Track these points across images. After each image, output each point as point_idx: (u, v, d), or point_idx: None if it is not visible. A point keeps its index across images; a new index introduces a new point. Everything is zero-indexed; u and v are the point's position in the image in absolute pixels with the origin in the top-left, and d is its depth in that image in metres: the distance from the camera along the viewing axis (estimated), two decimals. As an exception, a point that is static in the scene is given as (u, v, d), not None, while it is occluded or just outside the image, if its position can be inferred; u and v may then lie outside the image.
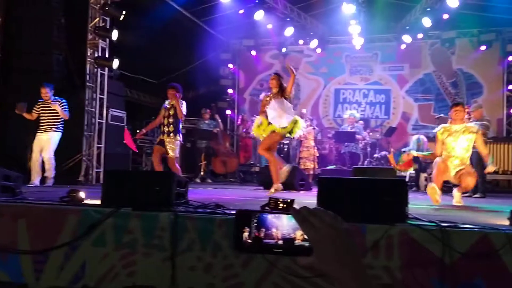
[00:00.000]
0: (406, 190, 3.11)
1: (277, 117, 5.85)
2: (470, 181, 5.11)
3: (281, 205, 3.17)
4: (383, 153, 10.55)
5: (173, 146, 6.46)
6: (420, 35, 11.56)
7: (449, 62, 12.07)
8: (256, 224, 0.93)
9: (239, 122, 12.12)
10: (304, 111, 10.94)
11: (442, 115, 9.89)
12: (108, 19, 8.64)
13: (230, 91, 13.35)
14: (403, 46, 12.06)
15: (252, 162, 11.21)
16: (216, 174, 10.78)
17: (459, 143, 5.24)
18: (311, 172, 9.43)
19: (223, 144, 10.30)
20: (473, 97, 11.48)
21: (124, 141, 8.90)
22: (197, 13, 11.29)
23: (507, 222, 3.01)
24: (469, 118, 7.48)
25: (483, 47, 11.52)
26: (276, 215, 0.94)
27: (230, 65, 13.37)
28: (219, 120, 10.54)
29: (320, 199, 3.04)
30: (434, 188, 5.03)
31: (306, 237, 0.88)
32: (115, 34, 8.43)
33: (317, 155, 10.11)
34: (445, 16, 10.30)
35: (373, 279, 2.72)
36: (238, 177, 10.84)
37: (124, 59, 8.90)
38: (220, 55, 13.25)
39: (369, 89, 12.80)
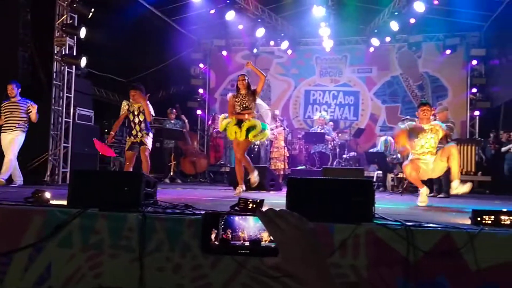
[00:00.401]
0: (373, 190, 3.17)
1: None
2: (453, 150, 5.22)
3: (250, 205, 3.18)
4: (352, 153, 10.73)
5: (149, 143, 6.42)
6: (388, 39, 11.83)
7: (415, 65, 12.39)
8: (223, 226, 0.94)
9: (210, 122, 12.08)
10: (276, 112, 10.99)
11: (408, 117, 10.12)
12: (76, 16, 8.47)
13: (201, 91, 13.29)
14: (371, 49, 12.31)
15: (222, 162, 11.19)
16: (185, 174, 10.70)
17: (427, 142, 5.37)
18: (281, 172, 9.49)
19: (191, 145, 10.24)
20: (439, 100, 11.84)
21: (99, 151, 8.65)
22: (168, 11, 11.20)
23: (469, 221, 3.10)
24: (435, 120, 7.70)
25: (448, 51, 11.89)
26: (243, 216, 0.95)
27: (201, 65, 13.31)
28: (186, 120, 10.46)
29: (289, 199, 3.06)
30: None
31: (272, 238, 0.89)
32: (83, 32, 8.27)
33: (287, 155, 10.18)
34: (412, 21, 10.57)
35: (340, 277, 2.76)
36: (208, 178, 10.80)
37: (92, 57, 8.72)
38: (191, 54, 13.17)
39: (338, 91, 12.98)
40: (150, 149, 6.46)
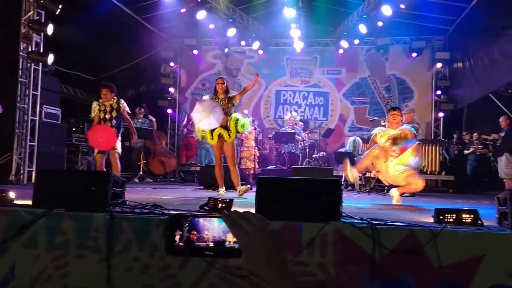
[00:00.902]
0: (341, 190, 3.24)
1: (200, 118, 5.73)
2: (419, 183, 5.39)
3: (220, 205, 3.20)
4: (321, 153, 10.88)
5: (117, 144, 6.26)
6: (356, 41, 12.08)
7: (383, 67, 12.66)
8: (188, 228, 0.95)
9: (185, 122, 11.97)
10: (246, 111, 11.04)
11: (375, 118, 10.37)
12: (43, 12, 8.26)
13: (171, 90, 13.17)
14: (341, 51, 12.51)
15: (193, 162, 11.13)
16: (155, 174, 10.60)
17: (395, 146, 5.50)
18: (252, 172, 9.53)
19: (159, 144, 10.15)
20: (405, 101, 12.14)
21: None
22: (138, 9, 11.06)
23: (432, 220, 3.21)
24: (401, 121, 7.90)
25: (414, 54, 12.21)
26: (208, 218, 0.96)
27: (172, 64, 13.19)
28: (153, 120, 10.35)
29: (258, 198, 3.09)
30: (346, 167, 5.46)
31: (235, 239, 0.90)
32: (50, 28, 8.07)
33: (258, 155, 10.23)
34: (380, 24, 10.79)
35: (308, 276, 2.81)
36: (178, 177, 10.73)
37: (60, 55, 8.53)
38: (161, 53, 13.04)
39: (308, 92, 13.12)
40: (120, 153, 6.31)
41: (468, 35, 10.67)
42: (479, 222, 3.03)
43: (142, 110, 10.38)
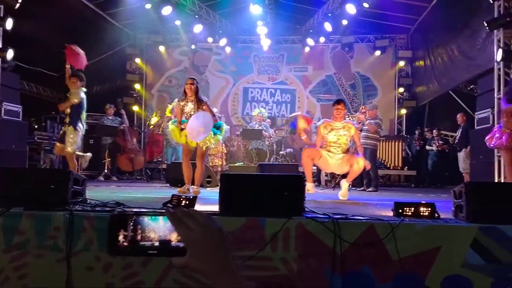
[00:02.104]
0: (304, 185, 3.29)
1: (194, 132, 5.49)
2: (360, 161, 5.57)
3: (183, 202, 3.19)
4: (288, 150, 10.97)
5: (70, 140, 6.05)
6: (322, 39, 12.24)
7: (348, 65, 12.88)
8: (132, 227, 0.93)
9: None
10: (214, 110, 10.99)
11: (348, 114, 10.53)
12: (1, 6, 7.96)
13: (137, 86, 12.98)
14: (307, 49, 12.66)
15: (159, 159, 11.02)
16: (122, 171, 10.44)
17: (339, 138, 5.71)
18: (219, 169, 9.51)
19: (130, 141, 10.00)
20: (369, 99, 12.41)
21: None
22: (102, 5, 10.84)
23: (391, 213, 3.29)
24: (366, 117, 8.09)
25: (378, 52, 12.47)
26: (153, 217, 0.95)
27: (137, 60, 12.99)
28: (125, 116, 10.20)
29: (222, 195, 3.10)
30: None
31: (180, 237, 0.91)
32: (9, 23, 7.78)
33: (225, 152, 10.21)
34: (344, 22, 10.96)
35: (271, 271, 2.84)
36: (144, 175, 10.60)
37: (20, 50, 8.23)
38: (126, 49, 12.84)
39: (276, 89, 13.21)
40: (73, 148, 6.06)
41: (429, 34, 10.98)
42: (436, 215, 3.13)
43: (112, 106, 10.20)
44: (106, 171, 9.89)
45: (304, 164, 5.74)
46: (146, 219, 0.94)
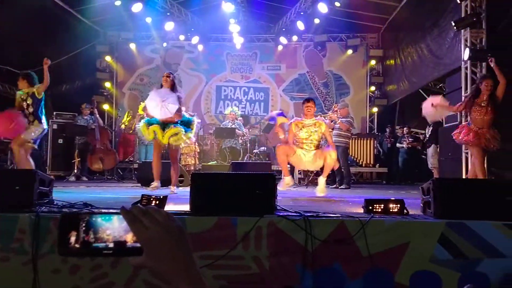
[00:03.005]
0: (275, 184, 3.28)
1: (153, 106, 5.50)
2: (332, 153, 5.64)
3: (154, 202, 3.14)
4: (262, 148, 10.98)
5: (33, 134, 5.84)
6: (295, 37, 12.29)
7: (320, 63, 12.97)
8: (84, 228, 0.89)
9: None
10: (183, 109, 10.91)
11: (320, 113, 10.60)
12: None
13: (107, 84, 12.75)
14: (280, 47, 12.69)
15: (131, 159, 10.86)
16: (92, 171, 10.23)
17: (310, 135, 5.78)
18: (192, 168, 9.43)
19: (100, 140, 9.80)
20: (342, 97, 12.53)
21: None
22: (70, 1, 10.60)
23: (362, 210, 3.33)
24: (337, 116, 8.16)
25: (349, 51, 12.61)
26: (108, 216, 0.91)
27: (108, 58, 12.76)
28: (98, 116, 9.99)
29: (192, 194, 3.07)
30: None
31: (136, 236, 0.87)
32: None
33: (198, 151, 10.13)
34: (317, 21, 11.04)
35: (243, 269, 2.83)
36: (116, 175, 10.42)
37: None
38: (96, 46, 12.58)
39: (249, 87, 13.20)
40: (32, 143, 5.85)
41: (399, 33, 11.17)
42: (405, 211, 3.19)
43: (89, 105, 9.98)
44: (76, 171, 9.68)
45: (280, 160, 5.78)
46: (99, 219, 0.90)
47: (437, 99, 6.19)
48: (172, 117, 5.62)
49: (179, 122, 5.76)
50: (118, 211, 0.88)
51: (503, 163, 6.67)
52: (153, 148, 6.02)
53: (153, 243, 0.84)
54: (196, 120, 6.22)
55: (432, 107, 6.12)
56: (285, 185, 5.69)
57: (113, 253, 0.90)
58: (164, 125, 5.64)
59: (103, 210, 3.11)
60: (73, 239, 0.88)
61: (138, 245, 0.87)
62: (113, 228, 0.89)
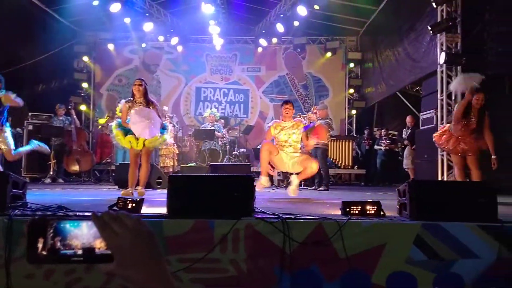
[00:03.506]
0: (253, 186, 3.28)
1: (141, 128, 5.35)
2: (313, 165, 5.64)
3: (130, 205, 3.10)
4: (242, 150, 10.96)
5: (2, 140, 5.71)
6: (274, 40, 12.34)
7: (300, 66, 13.04)
8: (52, 234, 0.86)
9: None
10: (165, 108, 10.85)
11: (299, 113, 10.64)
12: None
13: (85, 85, 12.56)
14: (260, 49, 12.71)
15: (108, 161, 10.71)
16: (69, 173, 10.05)
17: (289, 137, 5.80)
18: (171, 170, 9.36)
19: (77, 142, 9.64)
20: (321, 99, 12.62)
21: None
22: (47, 1, 10.41)
23: (339, 212, 3.35)
24: (316, 118, 8.21)
25: (329, 54, 12.71)
26: (76, 222, 0.89)
27: (85, 58, 12.57)
28: (75, 117, 9.82)
29: (170, 197, 3.04)
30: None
31: (105, 243, 0.85)
32: None
33: (177, 152, 10.07)
34: (296, 23, 11.09)
35: (220, 272, 2.82)
36: (92, 177, 10.27)
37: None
38: (74, 47, 12.38)
39: (229, 89, 13.17)
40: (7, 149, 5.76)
41: (377, 36, 11.31)
42: (382, 213, 3.22)
43: (63, 106, 9.79)
44: (51, 173, 9.49)
45: (262, 157, 5.69)
46: (67, 225, 0.87)
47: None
48: None
49: None
50: (88, 216, 0.86)
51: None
52: (129, 156, 5.87)
53: (123, 249, 0.82)
54: (169, 126, 6.15)
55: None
56: (260, 185, 5.53)
57: (82, 260, 0.87)
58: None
59: (78, 213, 3.05)
60: (40, 245, 0.85)
61: (108, 252, 0.85)
62: (82, 235, 0.87)
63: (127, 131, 5.49)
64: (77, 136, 9.63)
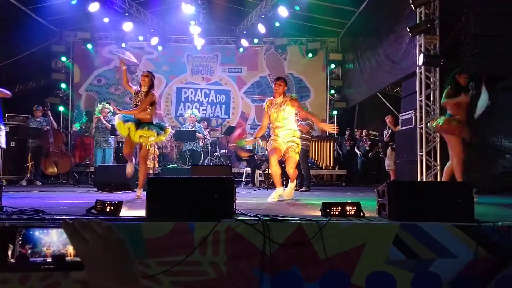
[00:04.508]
0: (233, 188, 3.27)
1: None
2: (290, 169, 5.68)
3: (108, 207, 3.05)
4: (223, 151, 10.93)
5: None
6: (256, 40, 12.34)
7: (281, 66, 13.07)
8: (21, 242, 0.84)
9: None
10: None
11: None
12: None
13: (63, 86, 12.35)
14: (241, 50, 12.70)
15: (88, 162, 10.55)
16: (47, 175, 9.86)
17: (279, 114, 5.72)
18: (151, 171, 9.25)
19: (55, 143, 9.46)
20: (302, 100, 12.66)
21: None
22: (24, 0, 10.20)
23: (319, 213, 3.36)
24: (297, 119, 8.22)
25: (310, 55, 12.77)
26: (46, 230, 0.87)
27: (63, 58, 12.37)
28: (51, 118, 9.65)
29: (149, 199, 3.00)
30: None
31: (75, 250, 0.84)
32: None
33: (158, 153, 9.96)
34: (277, 24, 11.11)
35: (200, 275, 2.79)
36: (71, 178, 10.11)
37: None
38: (51, 46, 12.17)
39: (210, 89, 13.13)
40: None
41: (358, 38, 11.41)
42: (361, 213, 3.24)
43: (40, 108, 9.60)
44: (29, 175, 9.31)
45: (273, 172, 5.75)
46: (37, 233, 0.85)
47: None
48: (148, 117, 5.70)
49: (155, 124, 5.80)
50: (58, 223, 0.84)
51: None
52: (123, 145, 5.94)
53: (93, 257, 0.82)
54: (169, 130, 6.20)
55: None
56: (277, 195, 5.61)
57: (53, 268, 0.85)
58: (139, 123, 5.62)
59: (56, 217, 2.99)
60: (10, 253, 0.83)
61: (79, 259, 0.83)
62: (52, 242, 0.85)
63: (127, 120, 5.65)
64: (54, 138, 9.45)
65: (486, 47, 6.98)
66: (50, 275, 2.68)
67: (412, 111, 8.09)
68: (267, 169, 8.70)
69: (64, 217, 3.04)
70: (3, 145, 5.81)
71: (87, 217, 2.98)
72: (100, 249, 0.82)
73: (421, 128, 7.62)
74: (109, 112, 9.71)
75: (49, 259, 0.85)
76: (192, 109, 12.10)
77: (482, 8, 7.07)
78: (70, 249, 0.85)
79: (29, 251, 0.84)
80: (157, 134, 5.67)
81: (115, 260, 0.82)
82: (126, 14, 11.06)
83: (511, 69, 7.02)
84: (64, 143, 10.17)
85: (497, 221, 2.98)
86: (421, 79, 7.71)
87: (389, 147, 9.48)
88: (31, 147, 9.52)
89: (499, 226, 2.94)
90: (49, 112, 9.51)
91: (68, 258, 0.84)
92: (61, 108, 12.15)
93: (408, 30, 7.64)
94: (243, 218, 3.05)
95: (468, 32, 7.10)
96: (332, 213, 3.22)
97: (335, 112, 12.81)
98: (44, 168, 9.47)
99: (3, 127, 5.87)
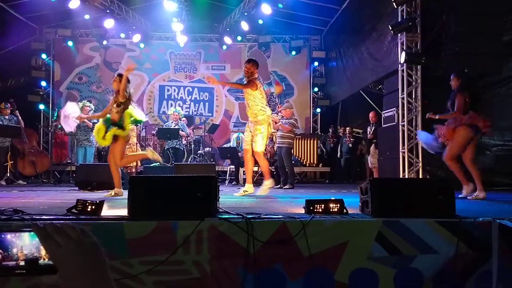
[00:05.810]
0: (217, 186, 3.24)
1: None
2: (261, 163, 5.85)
3: (89, 207, 3.00)
4: (207, 149, 10.88)
5: None
6: (239, 38, 12.31)
7: (265, 64, 13.04)
8: None
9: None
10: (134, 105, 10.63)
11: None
12: None
13: (43, 83, 12.15)
14: (224, 47, 12.66)
15: (69, 161, 10.40)
16: (26, 175, 9.68)
17: (248, 97, 6.12)
18: (134, 170, 9.18)
19: (28, 143, 9.28)
20: (286, 98, 12.69)
21: None
22: (2, -5, 10.00)
23: (303, 211, 3.36)
24: (282, 117, 8.24)
25: (293, 52, 12.79)
26: (17, 233, 0.84)
27: (43, 56, 12.16)
28: (19, 117, 9.43)
29: (131, 198, 2.96)
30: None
31: (48, 255, 0.83)
32: None
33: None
34: (260, 21, 11.10)
35: (183, 275, 2.77)
36: (52, 178, 9.95)
37: None
38: (31, 44, 11.96)
39: (193, 87, 13.06)
40: None
41: (341, 36, 11.46)
42: (345, 210, 3.25)
43: (8, 105, 9.38)
44: (8, 174, 9.12)
45: (248, 166, 5.98)
46: (8, 236, 0.83)
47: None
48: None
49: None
50: (30, 227, 0.82)
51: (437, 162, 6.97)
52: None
53: (65, 261, 0.80)
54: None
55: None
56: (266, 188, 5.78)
57: (25, 273, 0.83)
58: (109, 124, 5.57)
59: (35, 217, 2.94)
60: None
61: (52, 263, 0.81)
62: (24, 246, 0.83)
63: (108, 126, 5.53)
64: (28, 137, 9.27)
65: (467, 45, 7.07)
66: (31, 277, 2.63)
67: (394, 109, 8.16)
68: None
69: (44, 217, 2.99)
70: None
71: (68, 217, 2.94)
72: (74, 253, 0.80)
73: (403, 126, 7.69)
74: (90, 110, 9.57)
75: (22, 263, 0.82)
76: (175, 107, 11.99)
77: (463, 7, 7.17)
78: (43, 253, 0.82)
79: (0, 256, 0.81)
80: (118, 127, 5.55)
81: (88, 264, 0.81)
82: (108, 11, 10.93)
83: (490, 67, 7.13)
84: (37, 142, 9.97)
85: (478, 217, 3.02)
86: (403, 76, 7.78)
87: (372, 145, 9.55)
88: (7, 146, 9.27)
89: (480, 221, 2.98)
90: (17, 112, 9.29)
91: (41, 262, 0.82)
92: (41, 106, 11.95)
93: (390, 28, 7.70)
94: (227, 216, 3.03)
95: (449, 30, 7.19)
96: (315, 210, 3.22)
97: (318, 110, 12.87)
98: (22, 169, 9.30)
99: None
